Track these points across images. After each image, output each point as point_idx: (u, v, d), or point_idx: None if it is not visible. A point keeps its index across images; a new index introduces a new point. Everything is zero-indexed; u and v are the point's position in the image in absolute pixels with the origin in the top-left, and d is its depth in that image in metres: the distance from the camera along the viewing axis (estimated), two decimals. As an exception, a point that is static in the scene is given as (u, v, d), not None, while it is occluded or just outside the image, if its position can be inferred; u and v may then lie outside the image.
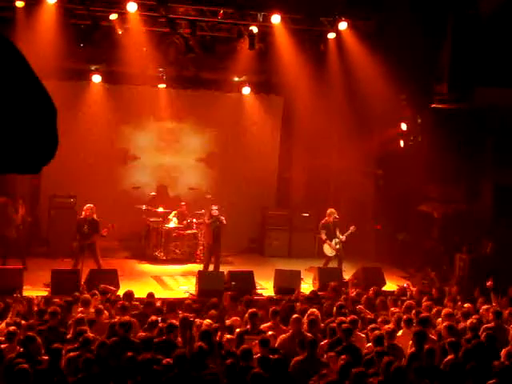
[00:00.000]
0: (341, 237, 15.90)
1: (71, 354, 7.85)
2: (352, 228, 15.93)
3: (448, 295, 12.81)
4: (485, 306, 11.27)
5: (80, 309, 10.45)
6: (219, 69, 17.77)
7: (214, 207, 15.89)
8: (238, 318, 10.30)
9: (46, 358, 7.94)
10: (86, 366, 7.41)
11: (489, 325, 9.88)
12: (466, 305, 11.69)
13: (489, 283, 12.65)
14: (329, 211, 16.17)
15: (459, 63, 16.29)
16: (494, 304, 11.89)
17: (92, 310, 10.42)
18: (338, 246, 15.92)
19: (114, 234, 16.93)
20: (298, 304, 11.66)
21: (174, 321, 9.24)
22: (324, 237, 16.06)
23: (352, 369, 7.32)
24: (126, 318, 9.47)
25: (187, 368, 7.51)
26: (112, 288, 12.51)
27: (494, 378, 7.53)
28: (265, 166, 20.03)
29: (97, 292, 11.62)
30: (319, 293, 13.18)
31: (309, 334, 9.19)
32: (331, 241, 15.96)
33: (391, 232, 18.69)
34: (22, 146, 1.89)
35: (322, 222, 16.17)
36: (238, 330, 9.55)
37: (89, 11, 14.81)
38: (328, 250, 16.05)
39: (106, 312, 10.39)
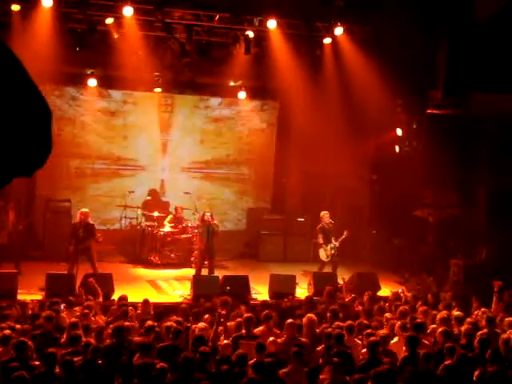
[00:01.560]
0: (334, 242, 15.87)
1: (67, 358, 7.82)
2: (345, 233, 15.90)
3: (442, 300, 12.80)
4: (479, 311, 11.28)
5: (77, 313, 10.41)
6: (215, 73, 17.78)
7: (207, 212, 15.87)
8: (233, 323, 10.28)
9: (37, 362, 7.92)
10: (83, 371, 7.41)
11: (483, 331, 9.89)
12: (457, 312, 11.68)
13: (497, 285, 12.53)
14: (321, 214, 16.16)
15: (455, 69, 16.33)
16: (492, 307, 11.89)
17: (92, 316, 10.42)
18: (332, 252, 15.90)
19: (109, 238, 16.94)
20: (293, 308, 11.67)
21: (178, 326, 9.22)
22: (321, 241, 16.04)
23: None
24: (120, 322, 9.47)
25: (186, 372, 7.50)
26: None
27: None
28: (260, 170, 20.04)
29: (91, 297, 11.60)
30: (314, 298, 13.17)
31: (303, 339, 9.18)
32: (327, 245, 15.94)
33: (386, 237, 18.70)
34: (15, 149, 1.88)
35: (319, 226, 16.15)
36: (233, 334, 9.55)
37: (85, 15, 14.80)
38: (323, 254, 16.04)
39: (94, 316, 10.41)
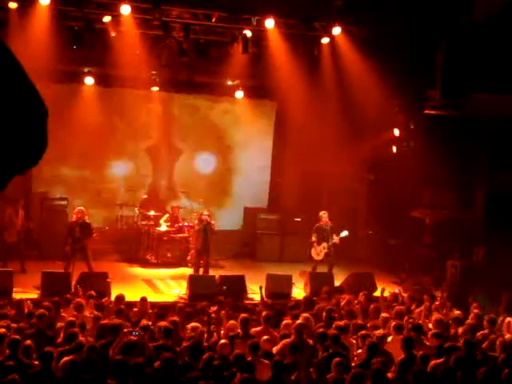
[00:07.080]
0: (335, 238, 15.86)
1: (65, 357, 7.79)
2: (346, 233, 15.93)
3: (439, 300, 12.80)
4: (476, 312, 11.29)
5: (73, 313, 10.37)
6: (212, 72, 17.73)
7: (205, 212, 15.88)
8: (234, 322, 10.25)
9: (36, 362, 7.89)
10: (79, 370, 7.37)
11: (484, 331, 9.91)
12: (456, 312, 11.69)
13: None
14: (320, 214, 16.19)
15: (453, 69, 16.32)
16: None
17: (87, 313, 10.39)
18: (326, 251, 15.91)
19: (106, 236, 16.91)
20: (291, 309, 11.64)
21: (168, 324, 9.20)
22: (313, 239, 16.08)
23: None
24: (116, 321, 9.44)
25: (176, 372, 7.48)
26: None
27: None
28: (257, 170, 20.02)
29: (93, 293, 11.57)
30: (311, 298, 13.14)
31: (310, 341, 9.05)
32: (320, 244, 15.96)
33: (383, 238, 18.69)
34: (10, 147, 1.86)
35: (316, 225, 16.20)
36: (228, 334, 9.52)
37: (82, 13, 14.75)
38: (314, 253, 16.08)
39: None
